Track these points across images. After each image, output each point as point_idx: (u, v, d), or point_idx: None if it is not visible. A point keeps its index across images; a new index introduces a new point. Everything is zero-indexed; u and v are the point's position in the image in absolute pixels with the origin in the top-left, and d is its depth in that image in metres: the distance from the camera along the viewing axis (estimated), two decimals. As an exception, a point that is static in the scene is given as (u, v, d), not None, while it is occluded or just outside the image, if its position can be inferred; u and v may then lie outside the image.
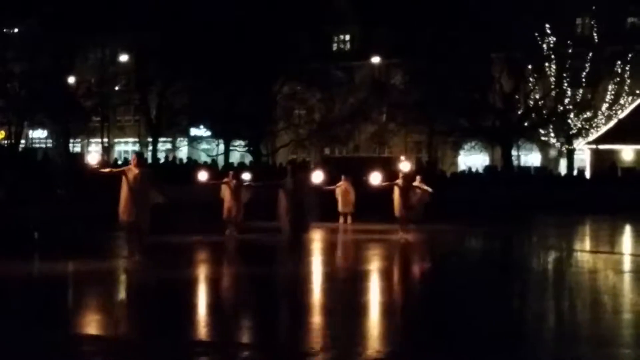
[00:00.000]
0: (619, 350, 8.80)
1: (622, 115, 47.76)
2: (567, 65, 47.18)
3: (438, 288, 13.79)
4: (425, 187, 24.68)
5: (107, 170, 15.90)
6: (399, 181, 20.98)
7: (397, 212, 21.00)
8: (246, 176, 14.29)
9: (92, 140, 58.10)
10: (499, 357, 8.43)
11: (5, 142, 52.75)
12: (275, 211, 15.90)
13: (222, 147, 54.29)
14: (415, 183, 24.39)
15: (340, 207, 25.81)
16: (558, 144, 49.60)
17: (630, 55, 46.90)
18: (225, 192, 20.92)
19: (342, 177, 26.14)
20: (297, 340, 9.01)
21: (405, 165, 25.91)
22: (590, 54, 46.55)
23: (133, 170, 15.16)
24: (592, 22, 47.51)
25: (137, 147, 58.56)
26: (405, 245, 19.70)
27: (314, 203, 15.87)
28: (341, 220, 25.69)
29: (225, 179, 21.13)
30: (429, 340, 9.18)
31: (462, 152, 54.04)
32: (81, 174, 24.95)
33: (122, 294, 12.88)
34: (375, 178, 19.63)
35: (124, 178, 15.11)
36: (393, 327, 10.17)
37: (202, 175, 22.16)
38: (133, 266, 14.78)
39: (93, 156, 15.89)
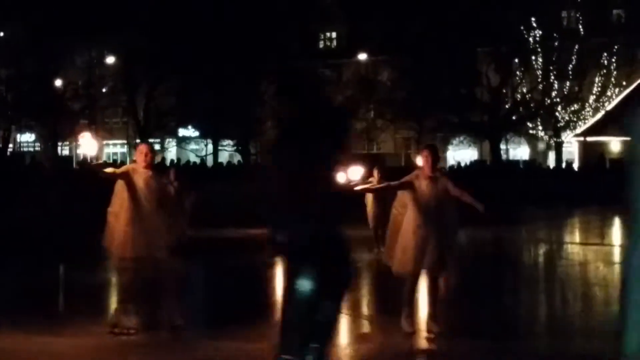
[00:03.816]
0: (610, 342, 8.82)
1: (609, 107, 47.88)
2: (553, 59, 47.31)
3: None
4: None
5: (109, 170, 8.75)
6: (373, 179, 14.32)
7: (370, 223, 15.87)
8: (357, 172, 7.79)
9: (80, 143, 57.85)
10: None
11: (-7, 146, 52.54)
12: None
13: (210, 147, 54.27)
14: None
15: None
16: (546, 137, 49.73)
17: (616, 47, 47.03)
18: None
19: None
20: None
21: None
22: (577, 47, 46.69)
23: (142, 172, 8.69)
24: (577, 15, 47.63)
25: (125, 149, 58.48)
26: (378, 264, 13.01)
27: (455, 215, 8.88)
28: None
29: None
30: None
31: (450, 147, 54.13)
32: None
33: None
34: (356, 173, 12.99)
35: (121, 184, 8.64)
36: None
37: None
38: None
39: (88, 144, 8.74)
